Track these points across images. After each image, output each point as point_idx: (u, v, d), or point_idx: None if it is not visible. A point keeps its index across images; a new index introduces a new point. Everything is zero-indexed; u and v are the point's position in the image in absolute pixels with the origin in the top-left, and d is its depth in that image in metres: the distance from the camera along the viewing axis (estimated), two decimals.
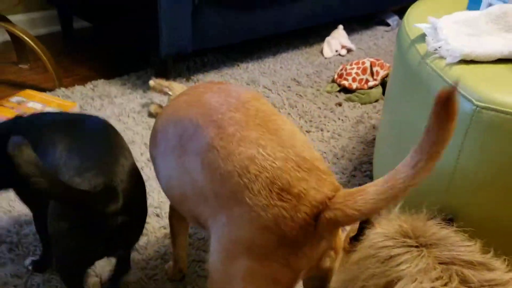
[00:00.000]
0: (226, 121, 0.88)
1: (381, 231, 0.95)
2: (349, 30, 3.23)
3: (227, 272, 0.84)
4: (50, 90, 2.32)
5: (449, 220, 0.98)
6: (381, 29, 3.45)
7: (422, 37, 1.25)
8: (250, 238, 0.80)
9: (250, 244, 0.80)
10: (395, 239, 0.92)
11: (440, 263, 0.87)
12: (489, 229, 1.08)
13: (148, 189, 1.72)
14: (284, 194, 0.80)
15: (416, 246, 0.90)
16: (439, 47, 1.13)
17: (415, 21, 1.36)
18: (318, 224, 0.80)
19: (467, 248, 0.90)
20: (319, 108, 2.37)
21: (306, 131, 2.16)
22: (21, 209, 1.59)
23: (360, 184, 1.84)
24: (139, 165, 1.84)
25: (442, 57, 1.12)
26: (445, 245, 0.89)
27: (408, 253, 0.88)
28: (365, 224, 0.98)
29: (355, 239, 0.99)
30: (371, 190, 0.77)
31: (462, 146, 1.03)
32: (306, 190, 0.81)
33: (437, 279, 0.83)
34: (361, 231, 0.97)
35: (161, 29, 2.20)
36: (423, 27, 1.24)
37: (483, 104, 0.98)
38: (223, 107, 0.91)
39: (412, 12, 1.50)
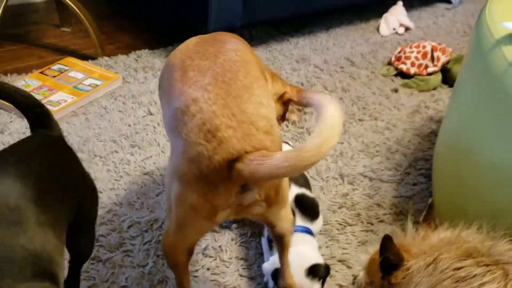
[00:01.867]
0: (191, 66, 0.98)
1: (447, 256, 0.91)
2: (407, 7, 3.01)
3: (168, 191, 0.99)
4: (92, 58, 2.23)
5: None
6: (441, 6, 3.22)
7: (511, 38, 1.08)
8: (181, 168, 0.91)
9: (181, 173, 0.92)
10: (470, 258, 0.88)
11: None
12: None
13: None
14: (210, 136, 0.89)
15: (495, 264, 0.86)
16: None
17: (501, 16, 1.18)
18: (232, 171, 0.87)
19: None
20: (374, 93, 2.21)
21: (359, 120, 2.02)
22: None
23: (414, 184, 1.72)
24: None
25: None
26: None
27: (489, 273, 0.84)
28: (394, 259, 0.99)
29: (387, 274, 1.01)
30: (277, 156, 0.83)
31: None
32: (229, 137, 0.88)
33: None
34: (391, 267, 1.00)
35: (211, 1, 2.07)
36: None
37: None
38: (198, 54, 1.01)
39: (493, 5, 1.32)
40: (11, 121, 1.81)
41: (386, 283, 1.01)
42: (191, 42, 1.10)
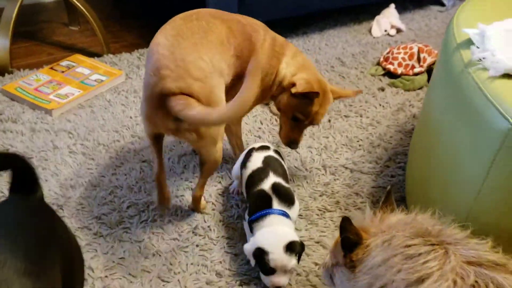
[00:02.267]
0: (169, 23, 1.35)
1: (401, 234, 0.99)
2: (401, 9, 3.13)
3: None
4: (98, 55, 2.39)
5: None
6: (435, 9, 3.33)
7: (469, 43, 1.22)
8: (143, 88, 1.32)
9: (143, 91, 1.32)
10: (419, 237, 0.96)
11: (466, 262, 0.90)
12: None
13: (185, 162, 1.79)
14: (156, 71, 1.23)
15: (439, 244, 0.94)
16: (484, 58, 1.10)
17: (465, 23, 1.32)
18: (167, 104, 1.22)
19: (485, 247, 0.94)
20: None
21: (345, 116, 2.16)
22: (67, 172, 1.70)
23: (392, 176, 1.86)
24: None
25: (485, 69, 1.10)
26: (466, 244, 0.93)
27: (433, 251, 0.93)
28: (354, 238, 1.05)
29: (349, 251, 1.07)
30: (196, 109, 1.19)
31: (492, 164, 1.02)
32: (166, 76, 1.22)
33: (473, 286, 0.86)
34: (351, 246, 1.06)
35: (208, 2, 2.21)
36: (471, 33, 1.21)
37: None
38: (180, 16, 1.37)
39: (463, 10, 1.46)
40: (23, 112, 1.97)
41: (348, 260, 1.07)
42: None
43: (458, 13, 1.49)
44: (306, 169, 1.84)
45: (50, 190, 1.61)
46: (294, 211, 1.45)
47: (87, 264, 1.38)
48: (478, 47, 1.17)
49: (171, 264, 1.41)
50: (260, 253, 1.30)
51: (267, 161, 1.52)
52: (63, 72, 2.19)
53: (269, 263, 1.29)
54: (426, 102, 1.58)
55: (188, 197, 1.64)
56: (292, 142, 1.64)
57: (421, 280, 0.90)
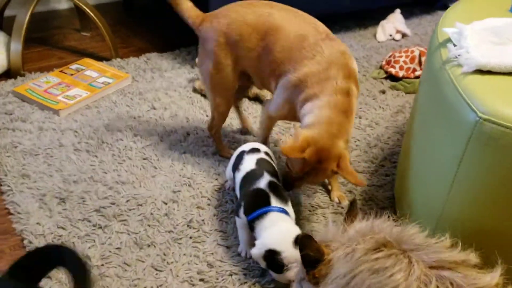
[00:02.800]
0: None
1: (362, 246, 0.97)
2: (409, 14, 3.16)
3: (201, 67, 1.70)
4: (107, 59, 2.49)
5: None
6: (442, 14, 3.33)
7: (448, 42, 1.27)
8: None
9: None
10: (381, 248, 0.96)
11: (430, 267, 0.92)
12: (488, 241, 1.11)
13: (184, 160, 1.86)
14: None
15: (402, 253, 0.94)
16: (459, 55, 1.14)
17: (450, 23, 1.36)
18: None
19: (444, 247, 0.95)
20: (362, 94, 2.39)
21: None
22: (71, 168, 1.78)
23: (386, 175, 1.90)
24: (178, 138, 1.98)
25: (460, 65, 1.14)
26: (427, 248, 0.94)
27: (398, 262, 0.93)
28: (314, 255, 1.03)
29: (311, 268, 1.05)
30: None
31: (462, 156, 1.06)
32: None
33: None
34: (312, 262, 1.04)
35: (210, 5, 2.28)
36: (450, 32, 1.25)
37: (486, 116, 1.00)
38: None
39: (451, 12, 1.50)
40: (33, 112, 2.07)
41: (311, 277, 1.05)
42: None
43: (445, 15, 1.53)
44: None
45: (54, 185, 1.70)
46: (291, 209, 1.46)
47: (84, 253, 1.46)
48: (455, 45, 1.21)
49: (164, 255, 1.48)
50: (272, 255, 1.32)
51: (260, 162, 1.54)
52: (72, 75, 2.29)
53: (283, 262, 1.31)
54: (414, 102, 1.62)
55: (184, 192, 1.71)
56: (287, 183, 1.53)
57: None
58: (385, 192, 1.80)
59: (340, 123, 1.44)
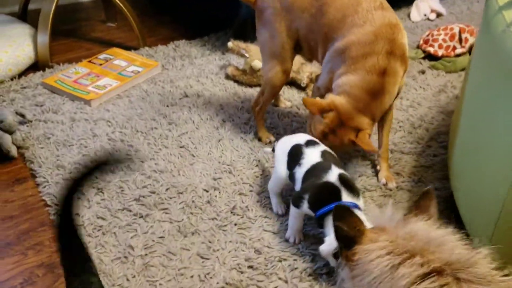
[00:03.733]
0: None
1: (408, 272, 0.78)
2: None
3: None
4: (135, 48, 2.43)
5: None
6: None
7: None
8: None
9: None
10: (429, 278, 0.77)
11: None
12: None
13: (222, 147, 1.79)
14: None
15: (456, 284, 0.75)
16: None
17: None
18: None
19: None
20: None
21: None
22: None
23: (434, 155, 1.80)
24: (214, 124, 1.90)
25: None
26: (491, 283, 0.76)
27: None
28: (352, 233, 0.88)
29: (345, 247, 0.89)
30: None
31: None
32: None
33: None
34: (346, 240, 0.89)
35: None
36: None
37: None
38: None
39: None
40: (63, 103, 2.02)
41: (344, 258, 0.90)
42: None
43: None
44: (345, 151, 1.79)
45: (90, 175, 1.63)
46: (362, 203, 1.33)
47: (126, 243, 1.39)
48: None
49: (210, 242, 1.40)
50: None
51: (325, 155, 1.42)
52: (101, 64, 2.23)
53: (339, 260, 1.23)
54: (465, 77, 1.52)
55: (225, 179, 1.63)
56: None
57: None
58: (435, 172, 1.70)
59: (367, 103, 1.45)
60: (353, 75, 1.46)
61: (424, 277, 0.77)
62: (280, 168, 1.47)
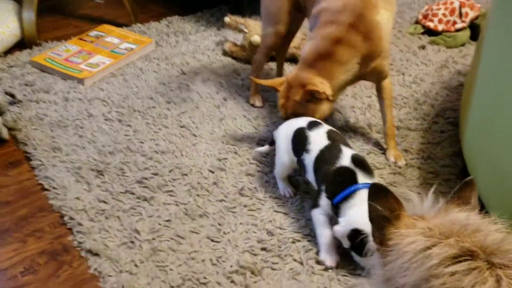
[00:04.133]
0: None
1: (440, 251, 0.74)
2: None
3: None
4: (126, 25, 2.33)
5: None
6: None
7: None
8: None
9: None
10: (461, 261, 0.73)
11: None
12: None
13: (225, 127, 1.72)
14: None
15: (489, 268, 0.71)
16: None
17: None
18: None
19: None
20: (401, 51, 2.24)
21: None
22: (104, 139, 1.64)
23: (442, 131, 1.76)
24: (215, 103, 1.83)
25: None
26: None
27: (481, 280, 0.70)
28: (382, 212, 0.83)
29: (379, 230, 0.84)
30: None
31: None
32: None
33: None
34: (380, 222, 0.84)
35: None
36: None
37: None
38: None
39: None
40: (55, 83, 1.92)
41: (378, 241, 0.85)
42: None
43: None
44: (350, 129, 1.74)
45: (89, 157, 1.56)
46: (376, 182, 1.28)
47: (132, 227, 1.33)
48: None
49: (219, 225, 1.35)
50: (357, 235, 1.14)
51: (331, 136, 1.35)
52: (92, 42, 2.13)
53: (368, 244, 1.17)
54: (479, 44, 1.46)
55: (231, 160, 1.57)
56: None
57: None
58: (444, 149, 1.66)
59: (315, 63, 1.46)
60: (311, 41, 1.49)
61: (456, 258, 0.73)
62: (284, 157, 1.41)
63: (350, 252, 1.22)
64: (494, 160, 1.28)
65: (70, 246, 1.30)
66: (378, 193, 0.84)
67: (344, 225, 1.19)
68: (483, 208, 1.28)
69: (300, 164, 1.37)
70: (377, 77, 1.57)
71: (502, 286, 0.68)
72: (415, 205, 0.87)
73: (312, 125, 1.39)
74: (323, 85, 1.43)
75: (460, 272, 0.70)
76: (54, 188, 1.45)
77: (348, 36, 1.43)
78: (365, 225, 1.08)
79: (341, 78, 1.48)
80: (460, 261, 0.72)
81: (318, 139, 1.35)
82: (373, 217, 0.85)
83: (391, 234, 0.81)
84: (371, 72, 1.52)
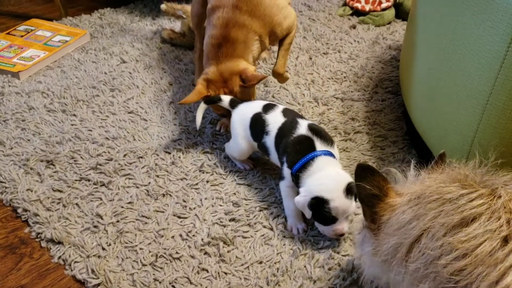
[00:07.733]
0: None
1: (433, 183, 0.80)
2: None
3: None
4: (56, 19, 2.23)
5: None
6: None
7: None
8: None
9: None
10: (456, 183, 0.77)
11: None
12: None
13: (175, 109, 1.70)
14: None
15: (482, 188, 0.75)
16: None
17: None
18: None
19: None
20: (334, 31, 2.33)
21: (324, 53, 2.13)
22: (49, 130, 1.56)
23: (383, 100, 1.85)
24: (161, 88, 1.81)
25: None
26: None
27: (475, 191, 0.74)
28: (376, 191, 0.86)
29: (369, 207, 0.87)
30: None
31: (504, 57, 0.95)
32: None
33: None
34: (370, 199, 0.86)
35: None
36: None
37: None
38: None
39: None
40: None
41: (370, 221, 0.86)
42: None
43: None
44: (298, 103, 1.79)
45: (36, 148, 1.48)
46: (336, 151, 1.29)
47: (93, 212, 1.28)
48: None
49: (184, 201, 1.33)
50: (319, 203, 1.14)
51: (286, 113, 1.36)
52: (22, 36, 2.02)
53: (330, 212, 1.14)
54: (418, 24, 1.54)
55: (185, 140, 1.56)
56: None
57: (466, 222, 0.71)
58: (387, 115, 1.75)
59: (216, 53, 1.44)
60: (207, 31, 1.48)
61: (448, 182, 0.78)
62: (243, 143, 1.40)
63: (314, 222, 1.22)
64: (436, 116, 1.36)
65: (27, 238, 1.23)
66: (364, 172, 0.85)
67: (304, 195, 1.18)
68: (431, 154, 1.37)
69: (262, 147, 1.37)
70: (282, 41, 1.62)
71: (498, 192, 0.73)
72: (401, 182, 0.89)
73: (267, 108, 1.38)
74: (251, 67, 1.43)
75: (455, 189, 0.75)
76: (1, 182, 1.36)
77: (236, 18, 1.43)
78: (327, 193, 1.13)
79: (250, 56, 1.48)
80: (454, 183, 0.77)
81: (275, 119, 1.34)
82: (363, 196, 0.86)
83: (383, 210, 0.83)
84: (273, 42, 1.57)
